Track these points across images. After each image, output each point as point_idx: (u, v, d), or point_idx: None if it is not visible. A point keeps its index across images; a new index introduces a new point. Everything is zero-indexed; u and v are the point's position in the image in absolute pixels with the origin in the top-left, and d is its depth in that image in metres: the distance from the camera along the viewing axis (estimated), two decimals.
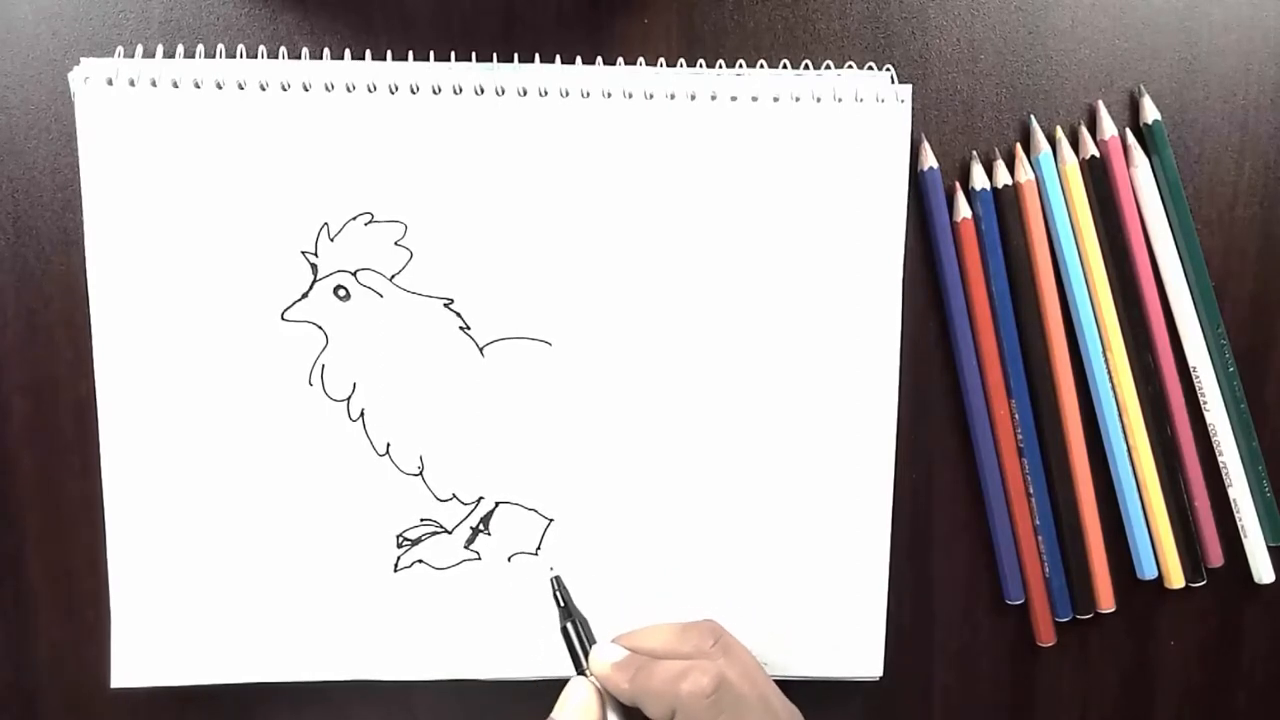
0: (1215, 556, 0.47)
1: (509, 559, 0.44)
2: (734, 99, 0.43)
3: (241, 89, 0.42)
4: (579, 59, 0.43)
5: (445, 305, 0.43)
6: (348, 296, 0.43)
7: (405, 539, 0.44)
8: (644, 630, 0.42)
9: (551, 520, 0.44)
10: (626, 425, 0.44)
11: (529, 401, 0.44)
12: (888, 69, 0.44)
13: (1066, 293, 0.46)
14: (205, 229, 0.42)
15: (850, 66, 0.44)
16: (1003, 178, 0.45)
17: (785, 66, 0.44)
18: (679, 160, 0.43)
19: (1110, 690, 0.48)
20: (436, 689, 0.45)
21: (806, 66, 0.44)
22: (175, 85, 0.42)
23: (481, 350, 0.44)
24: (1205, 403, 0.46)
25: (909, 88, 0.44)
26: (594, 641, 0.41)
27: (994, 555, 0.47)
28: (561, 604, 0.42)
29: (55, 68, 0.43)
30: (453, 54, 0.43)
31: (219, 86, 0.42)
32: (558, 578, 0.43)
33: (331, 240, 0.43)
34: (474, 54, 0.43)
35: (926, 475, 0.46)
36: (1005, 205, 0.45)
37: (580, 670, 0.41)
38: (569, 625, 0.41)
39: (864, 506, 0.45)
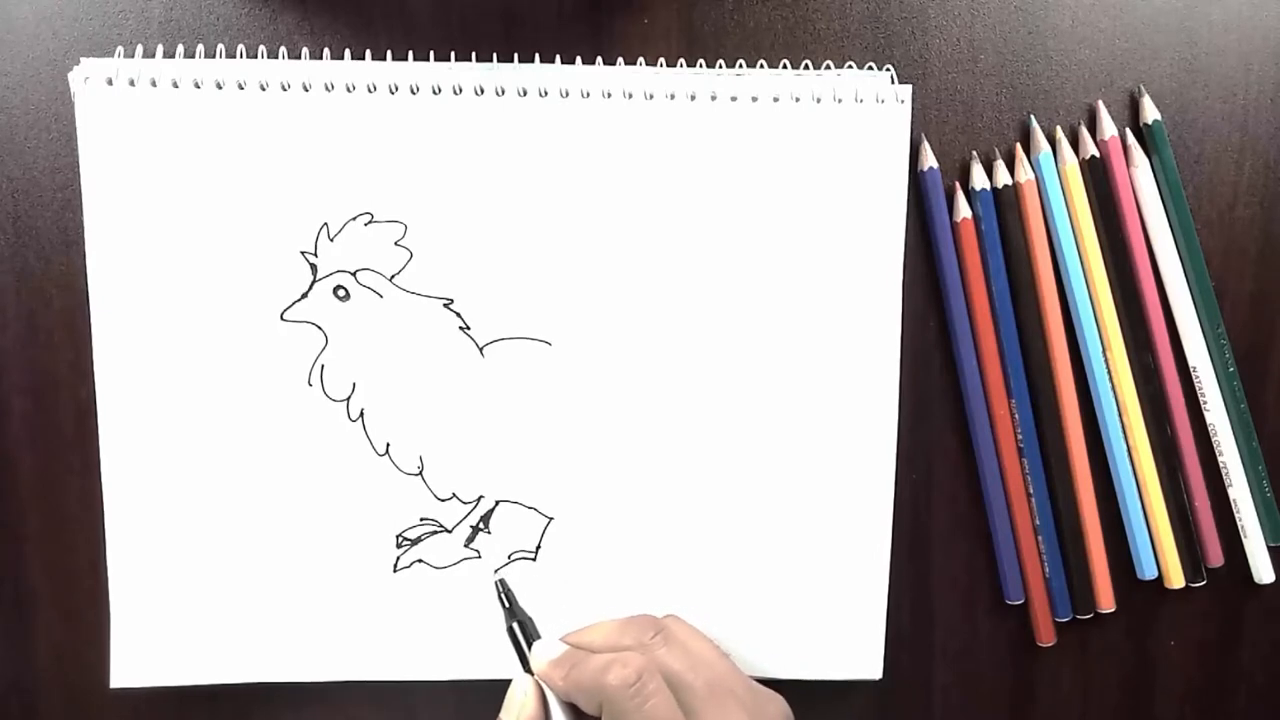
0: (1215, 556, 0.47)
1: (509, 557, 0.44)
2: (734, 99, 0.43)
3: (241, 89, 0.42)
4: (579, 59, 0.43)
5: (445, 305, 0.43)
6: (347, 296, 0.43)
7: (405, 539, 0.44)
8: (589, 627, 0.42)
9: (551, 519, 0.44)
10: (626, 425, 0.44)
11: (529, 401, 0.44)
12: (888, 69, 0.44)
13: (1066, 293, 0.46)
14: (205, 229, 0.42)
15: (850, 66, 0.44)
16: (1003, 178, 0.45)
17: (785, 66, 0.44)
18: (679, 160, 0.43)
19: (1110, 690, 0.48)
20: (436, 689, 0.45)
21: (806, 66, 0.44)
22: (175, 85, 0.42)
23: (481, 350, 0.44)
24: (1205, 403, 0.46)
25: (909, 88, 0.44)
26: (539, 638, 0.42)
27: (994, 555, 0.47)
28: (506, 605, 0.42)
29: (55, 68, 0.43)
30: (453, 54, 0.43)
31: (219, 86, 0.42)
32: (502, 580, 0.43)
33: (331, 240, 0.43)
34: (474, 54, 0.43)
35: (926, 475, 0.46)
36: (1005, 205, 0.45)
37: (527, 668, 0.41)
38: (514, 625, 0.42)
39: (864, 507, 0.45)
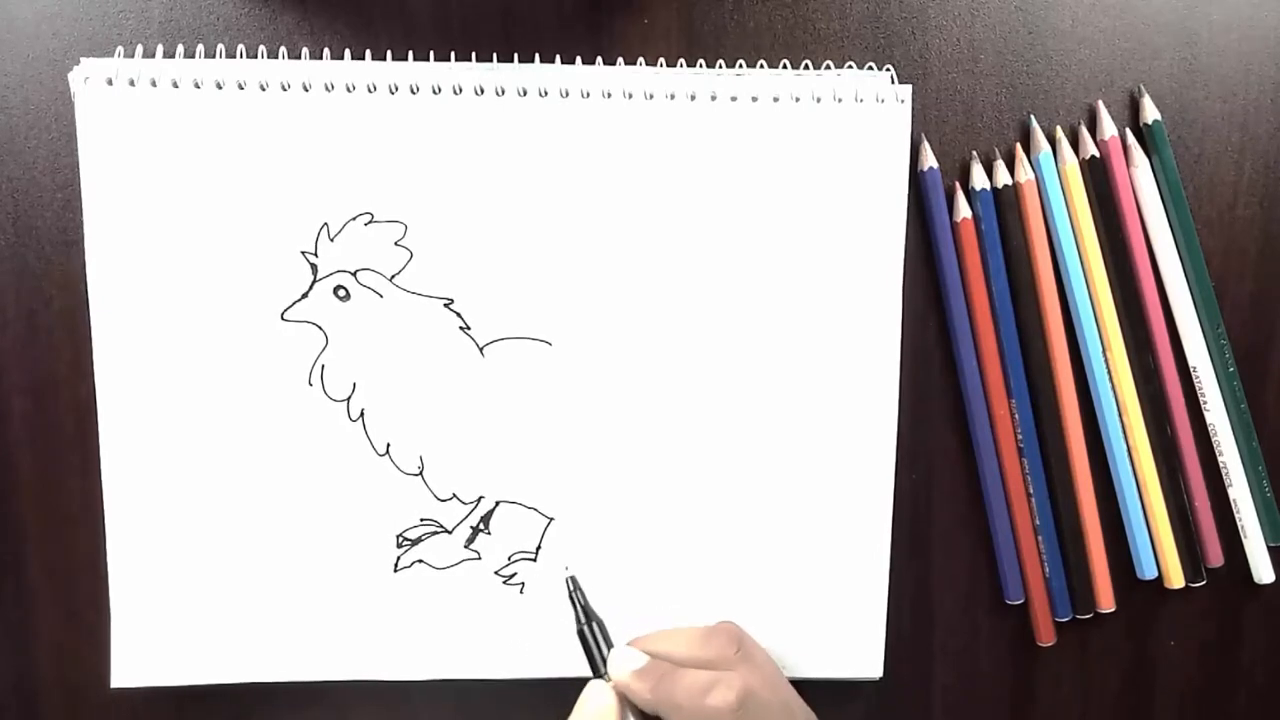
0: (1215, 556, 0.47)
1: (509, 558, 0.44)
2: (734, 99, 0.43)
3: (241, 89, 0.42)
4: (579, 59, 0.43)
5: (445, 305, 0.43)
6: (348, 296, 0.43)
7: (405, 539, 0.44)
8: (663, 634, 0.42)
9: (552, 519, 0.44)
10: (627, 425, 0.44)
11: (529, 401, 0.44)
12: (888, 69, 0.44)
13: (1066, 293, 0.46)
14: (205, 229, 0.42)
15: (850, 66, 0.44)
16: (1003, 178, 0.45)
17: (785, 66, 0.44)
18: (679, 160, 0.43)
19: (1110, 690, 0.48)
20: (436, 689, 0.45)
21: (806, 66, 0.44)
22: (175, 85, 0.42)
23: (481, 350, 0.44)
24: (1205, 403, 0.46)
25: (909, 88, 0.44)
26: (611, 645, 0.41)
27: (994, 555, 0.47)
28: (579, 605, 0.42)
29: (55, 68, 0.43)
30: (453, 54, 0.43)
31: (219, 86, 0.42)
32: (573, 578, 0.42)
33: (331, 240, 0.43)
34: (474, 54, 0.43)
35: (926, 475, 0.46)
36: (1005, 205, 0.45)
37: (597, 673, 0.40)
38: (587, 629, 0.41)
39: (864, 507, 0.45)
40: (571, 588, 0.42)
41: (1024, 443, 0.46)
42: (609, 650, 0.41)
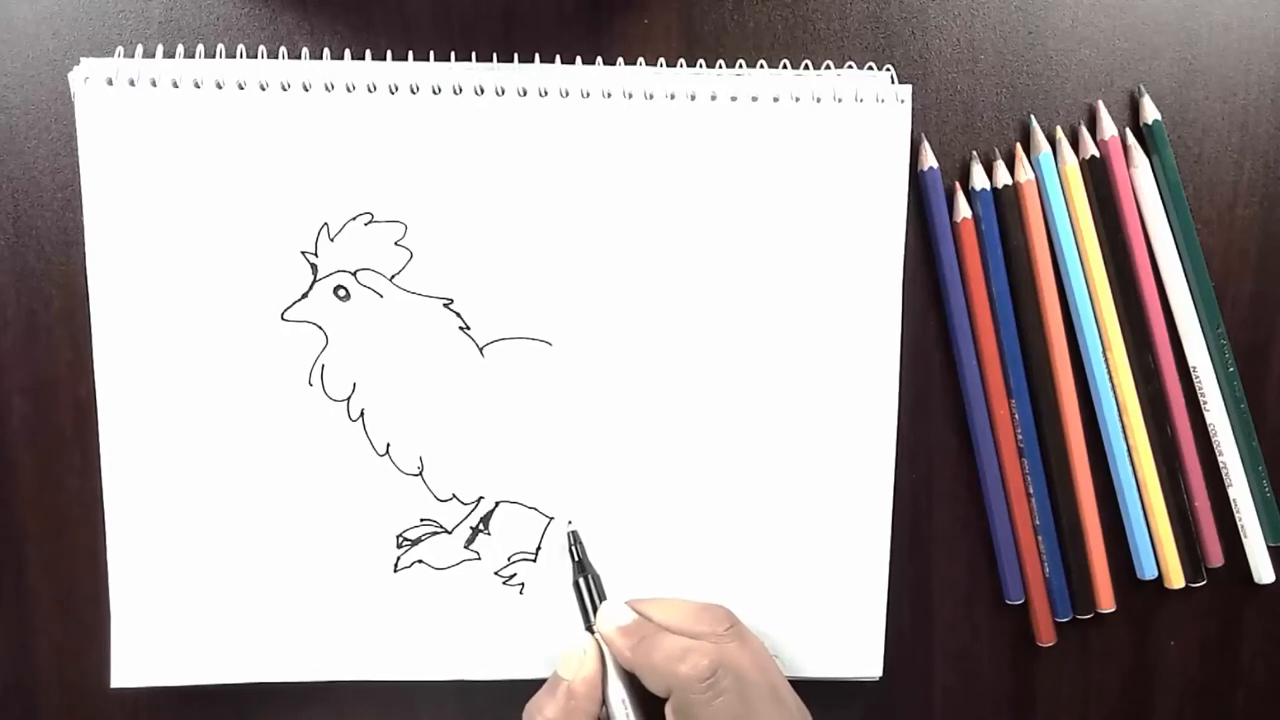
0: (1215, 556, 0.47)
1: (509, 559, 0.44)
2: (734, 99, 0.43)
3: (241, 89, 0.42)
4: (579, 59, 0.43)
5: (445, 305, 0.43)
6: (348, 296, 0.43)
7: (405, 539, 0.44)
8: (660, 600, 0.42)
9: (551, 519, 0.44)
10: (626, 425, 0.44)
11: (529, 401, 0.44)
12: (888, 69, 0.44)
13: (1066, 293, 0.46)
14: (205, 229, 0.42)
15: (850, 66, 0.44)
16: (1003, 178, 0.45)
17: (785, 66, 0.44)
18: (679, 160, 0.43)
19: (1110, 690, 0.48)
20: (436, 689, 0.45)
21: (806, 66, 0.44)
22: (175, 85, 0.42)
23: (481, 350, 0.44)
24: (1205, 403, 0.46)
25: (909, 88, 0.44)
26: (605, 598, 0.41)
27: (994, 555, 0.47)
28: (576, 558, 0.42)
29: (55, 68, 0.43)
30: (453, 54, 0.43)
31: (219, 86, 0.42)
32: (574, 532, 0.43)
33: (331, 240, 0.43)
34: (474, 54, 0.43)
35: (926, 475, 0.46)
36: (1005, 205, 0.45)
37: (589, 626, 0.41)
38: (581, 580, 0.41)
39: (864, 506, 0.45)
40: (571, 541, 0.42)
41: (1024, 443, 0.46)
42: (600, 604, 0.41)
